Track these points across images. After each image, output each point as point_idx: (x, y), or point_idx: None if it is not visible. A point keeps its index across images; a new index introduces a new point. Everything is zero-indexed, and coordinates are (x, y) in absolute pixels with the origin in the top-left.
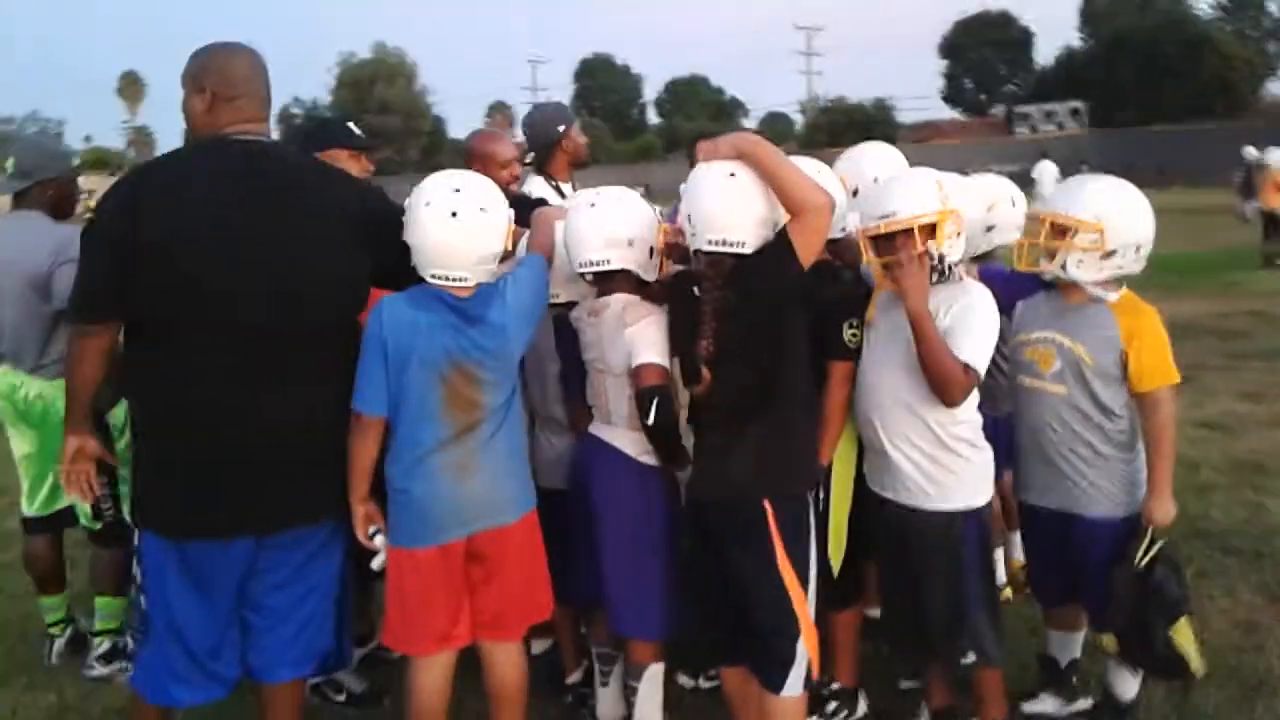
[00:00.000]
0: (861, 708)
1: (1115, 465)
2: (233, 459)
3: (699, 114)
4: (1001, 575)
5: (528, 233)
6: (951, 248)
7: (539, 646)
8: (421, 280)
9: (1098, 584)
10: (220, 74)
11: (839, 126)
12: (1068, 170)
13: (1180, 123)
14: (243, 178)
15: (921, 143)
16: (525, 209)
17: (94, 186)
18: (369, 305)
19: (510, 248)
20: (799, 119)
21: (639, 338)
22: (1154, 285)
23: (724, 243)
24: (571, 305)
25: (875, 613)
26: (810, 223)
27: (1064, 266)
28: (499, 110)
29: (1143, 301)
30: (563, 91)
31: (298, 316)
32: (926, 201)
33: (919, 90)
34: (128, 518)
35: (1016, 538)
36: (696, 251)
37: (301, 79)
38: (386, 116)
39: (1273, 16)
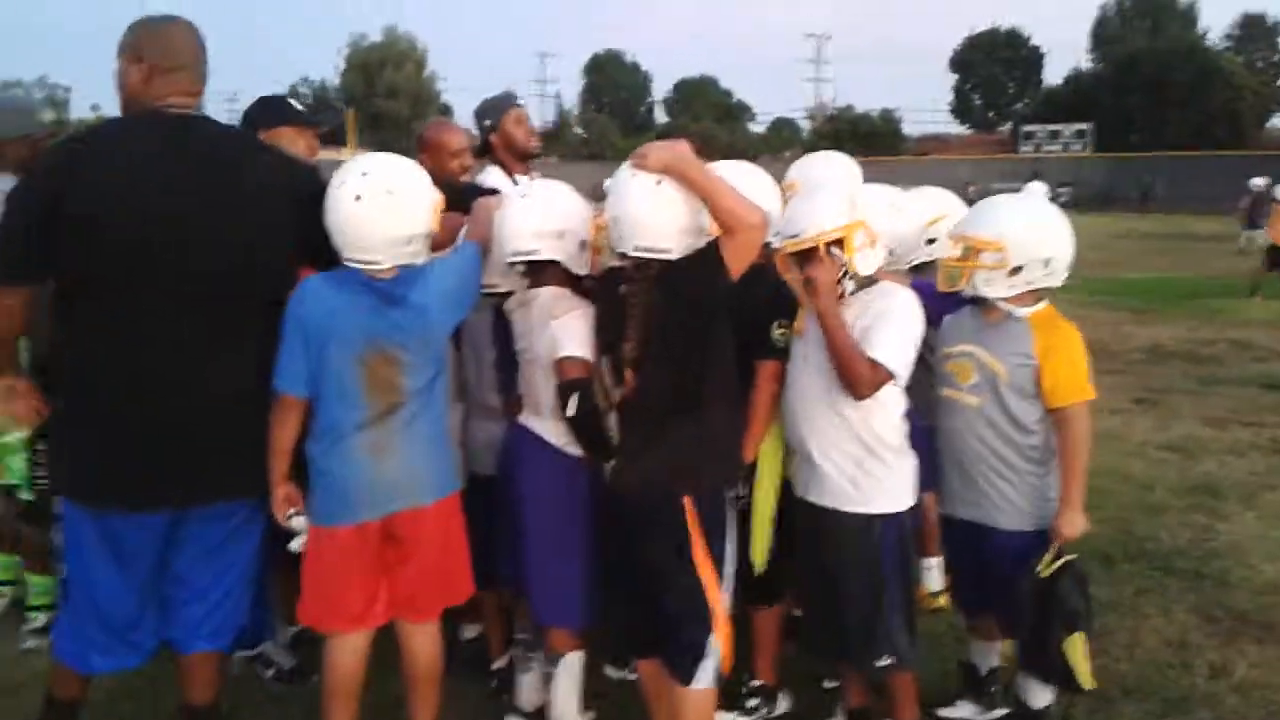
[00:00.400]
0: (782, 705)
1: (1027, 479)
2: (153, 431)
3: (706, 114)
4: (939, 582)
5: (468, 220)
6: (864, 259)
7: (470, 632)
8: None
9: (1005, 594)
10: (159, 45)
11: (845, 135)
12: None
13: (1185, 149)
14: (175, 150)
15: (924, 156)
16: (471, 197)
17: None
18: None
19: (437, 230)
20: (805, 126)
21: (563, 331)
22: (1125, 308)
23: (650, 250)
24: (509, 294)
25: (799, 613)
26: (743, 240)
27: (974, 284)
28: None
29: (1062, 319)
30: (572, 85)
31: (224, 291)
32: (833, 217)
33: (928, 103)
34: None
35: None
36: (622, 254)
37: (311, 60)
38: (394, 101)
39: None
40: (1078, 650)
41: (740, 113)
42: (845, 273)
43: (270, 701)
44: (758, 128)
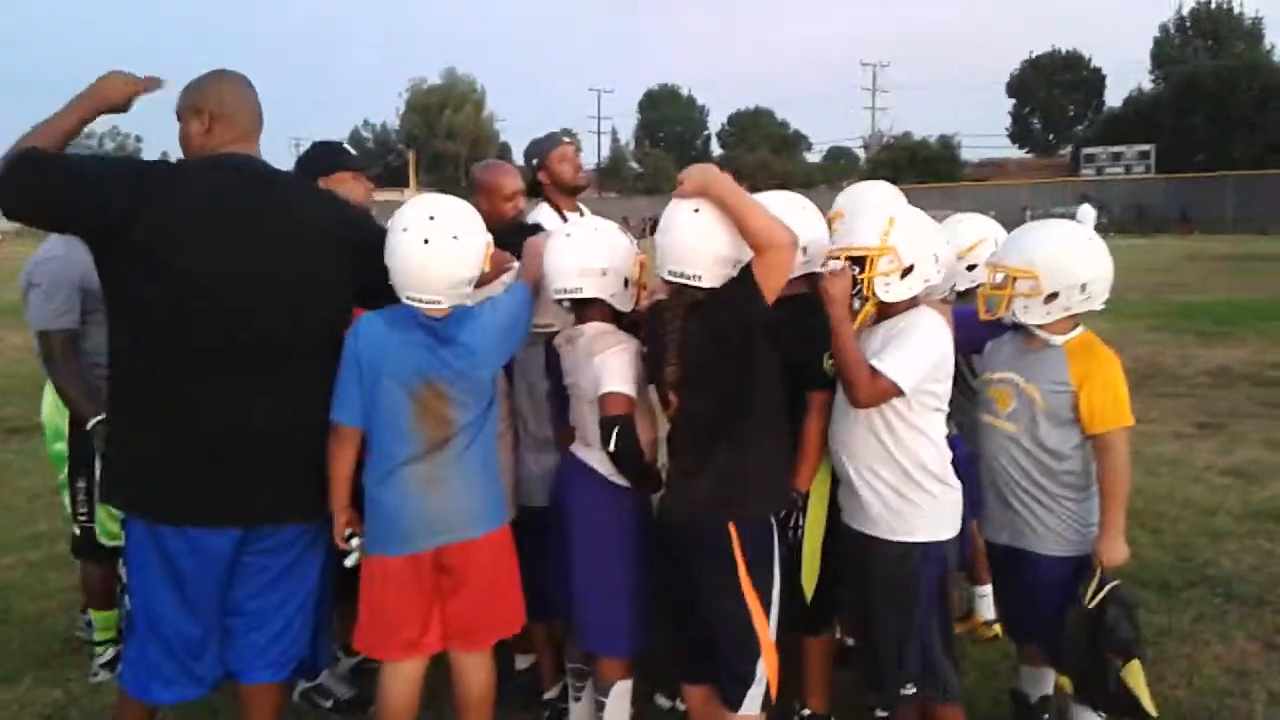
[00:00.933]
0: None
1: (1066, 505)
2: (212, 452)
3: (762, 145)
4: (991, 610)
5: (518, 261)
6: (884, 284)
7: (523, 662)
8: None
9: (1049, 622)
10: (215, 96)
11: (902, 162)
12: (1129, 215)
13: (1251, 169)
14: (236, 191)
15: (982, 181)
16: (520, 236)
17: None
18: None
19: (488, 270)
20: (862, 154)
21: (605, 367)
22: (1190, 331)
23: (681, 275)
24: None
25: (852, 642)
26: (772, 260)
27: (1013, 311)
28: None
29: (1100, 344)
30: (627, 120)
31: (283, 323)
32: (863, 237)
33: (985, 128)
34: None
35: None
36: (662, 280)
37: (373, 103)
38: (453, 142)
39: None
40: (1138, 678)
41: (797, 142)
42: (858, 290)
43: None
44: (814, 157)
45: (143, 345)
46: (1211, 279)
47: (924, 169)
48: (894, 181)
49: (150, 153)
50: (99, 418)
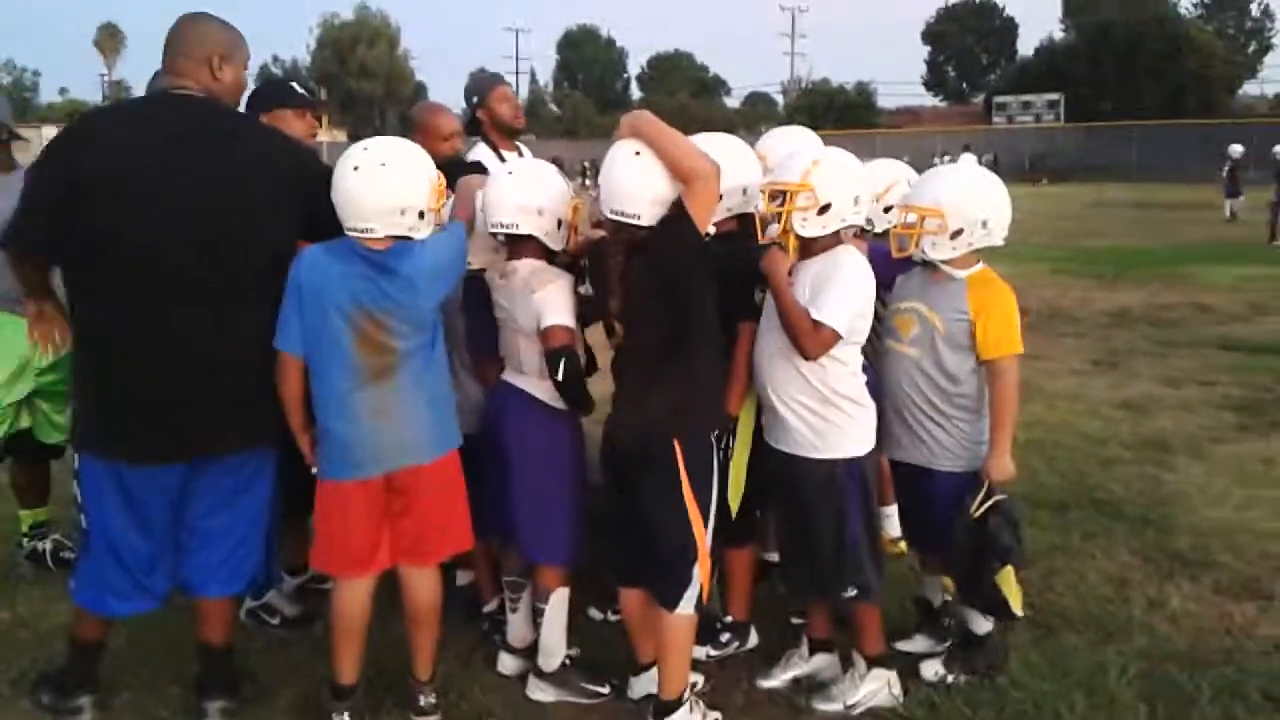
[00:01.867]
0: (752, 640)
1: (959, 425)
2: (159, 389)
3: (681, 89)
4: (897, 529)
5: (452, 198)
6: (801, 220)
7: (463, 578)
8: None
9: (943, 532)
10: (167, 40)
11: (820, 109)
12: (1036, 162)
13: (1157, 119)
14: (181, 128)
15: (898, 129)
16: (458, 173)
17: None
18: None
19: (436, 208)
20: (781, 100)
21: (546, 302)
22: (1092, 275)
23: (622, 213)
24: (482, 271)
25: (773, 556)
26: (699, 189)
27: (922, 249)
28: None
29: (997, 279)
30: (545, 62)
31: (227, 257)
32: (789, 174)
33: (902, 75)
34: None
35: None
36: (604, 217)
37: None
38: (367, 80)
39: (1252, 16)
40: (1010, 582)
41: (716, 87)
42: (781, 227)
43: (278, 645)
44: (734, 102)
45: (94, 284)
46: (1115, 226)
47: (841, 116)
48: (812, 128)
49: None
50: None
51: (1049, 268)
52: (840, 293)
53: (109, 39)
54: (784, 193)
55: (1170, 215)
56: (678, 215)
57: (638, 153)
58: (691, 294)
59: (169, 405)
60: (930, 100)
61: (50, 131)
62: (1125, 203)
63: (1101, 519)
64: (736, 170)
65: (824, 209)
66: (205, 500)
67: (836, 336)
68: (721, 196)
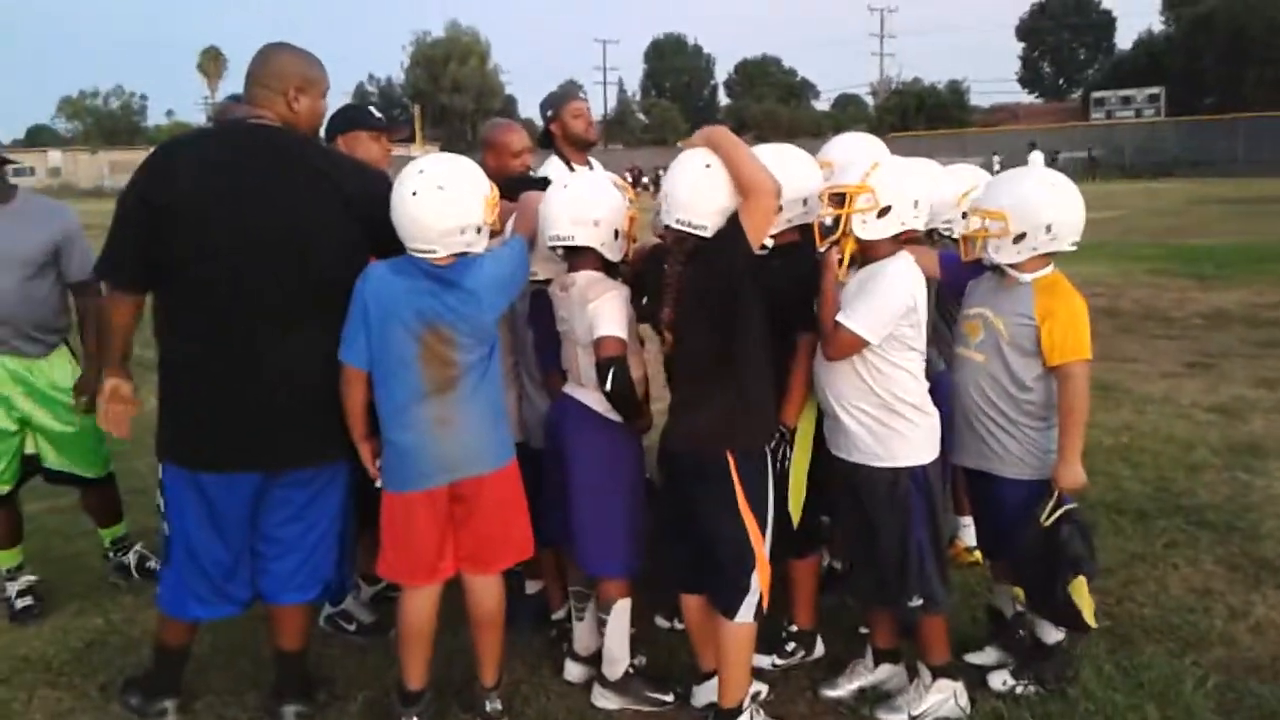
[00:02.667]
0: (818, 649)
1: (1027, 432)
2: (237, 403)
3: (769, 95)
4: (973, 538)
5: (515, 214)
6: (861, 222)
7: (532, 587)
8: None
9: (1011, 540)
10: (250, 69)
11: (910, 109)
12: (1136, 157)
13: (1261, 111)
14: (253, 156)
15: (992, 127)
16: (524, 189)
17: None
18: None
19: (494, 222)
20: (870, 101)
21: (599, 312)
22: (1190, 274)
23: (689, 224)
24: (548, 282)
25: (836, 564)
26: (755, 204)
27: (988, 252)
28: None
29: (1066, 284)
30: (633, 71)
31: (296, 279)
32: (849, 177)
33: (995, 73)
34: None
35: None
36: (666, 227)
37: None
38: (458, 96)
39: None
40: (1082, 593)
41: (804, 91)
42: (840, 230)
43: (353, 651)
44: (822, 105)
45: (175, 302)
46: (1217, 223)
47: (933, 115)
48: (903, 128)
49: (155, 112)
50: None
51: (1145, 267)
52: (872, 300)
53: (212, 62)
54: (843, 195)
55: (1276, 210)
56: (731, 227)
57: (708, 165)
58: (739, 306)
59: (242, 418)
60: (1026, 97)
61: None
62: (1228, 199)
63: (1186, 526)
64: (797, 181)
65: (883, 211)
66: (279, 511)
67: (858, 341)
68: (781, 208)
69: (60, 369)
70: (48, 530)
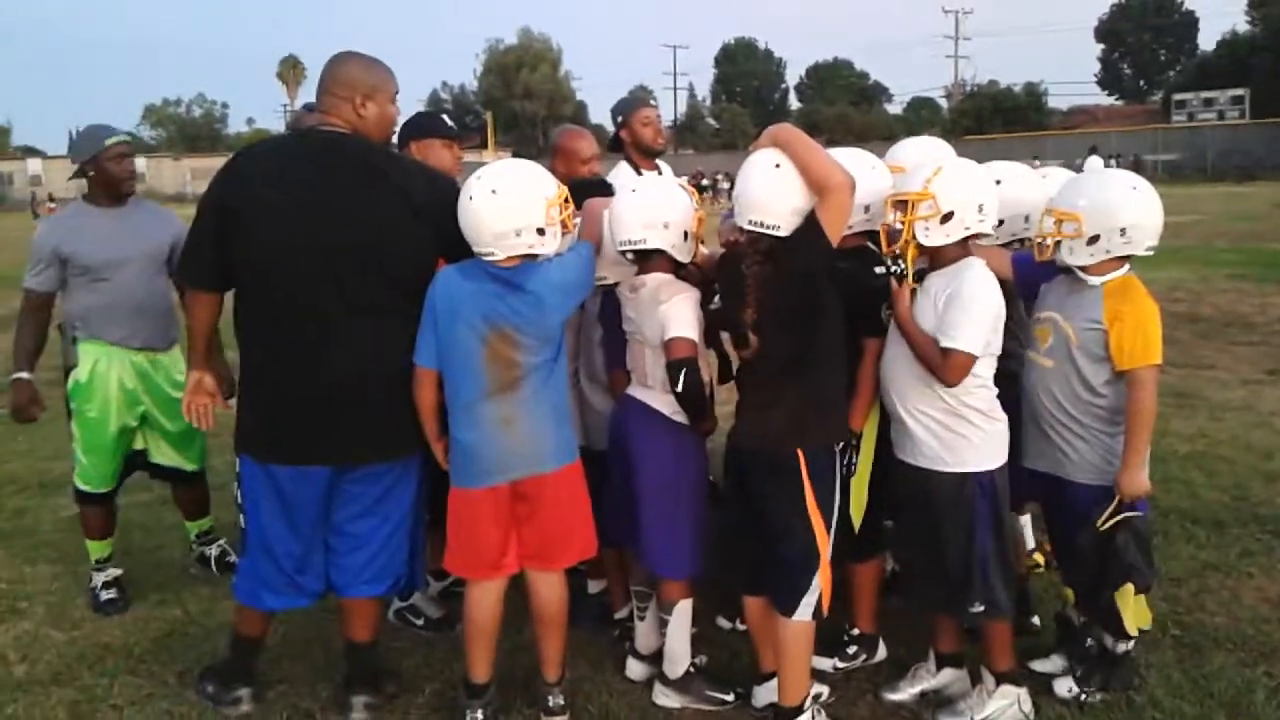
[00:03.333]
0: (881, 653)
1: (1098, 437)
2: (309, 401)
3: (840, 98)
4: (1031, 540)
5: (580, 219)
6: (923, 229)
7: (595, 587)
8: None
9: (1072, 543)
10: (320, 78)
11: (986, 111)
12: (1219, 160)
13: None
14: (323, 162)
15: (1071, 130)
16: (594, 193)
17: None
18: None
19: (559, 222)
20: (945, 104)
21: (671, 314)
22: (1273, 279)
23: (761, 224)
24: (617, 284)
25: (897, 568)
26: (832, 200)
27: (1061, 254)
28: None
29: (1138, 287)
30: (703, 76)
31: (365, 282)
32: (911, 184)
33: (1074, 75)
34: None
35: None
36: (741, 230)
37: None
38: (530, 102)
39: None
40: (1127, 599)
41: (877, 94)
42: (903, 238)
43: (420, 645)
44: (895, 109)
45: (253, 303)
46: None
47: (1009, 118)
48: (978, 132)
49: (235, 120)
50: (16, 374)
51: (1228, 272)
52: (967, 314)
53: (290, 71)
54: (906, 202)
55: None
56: (810, 225)
57: (778, 165)
58: (820, 303)
59: (312, 414)
60: (1106, 99)
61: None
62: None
63: (1262, 536)
64: (862, 185)
65: (946, 217)
66: (351, 506)
67: (971, 358)
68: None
69: (178, 365)
70: (131, 524)
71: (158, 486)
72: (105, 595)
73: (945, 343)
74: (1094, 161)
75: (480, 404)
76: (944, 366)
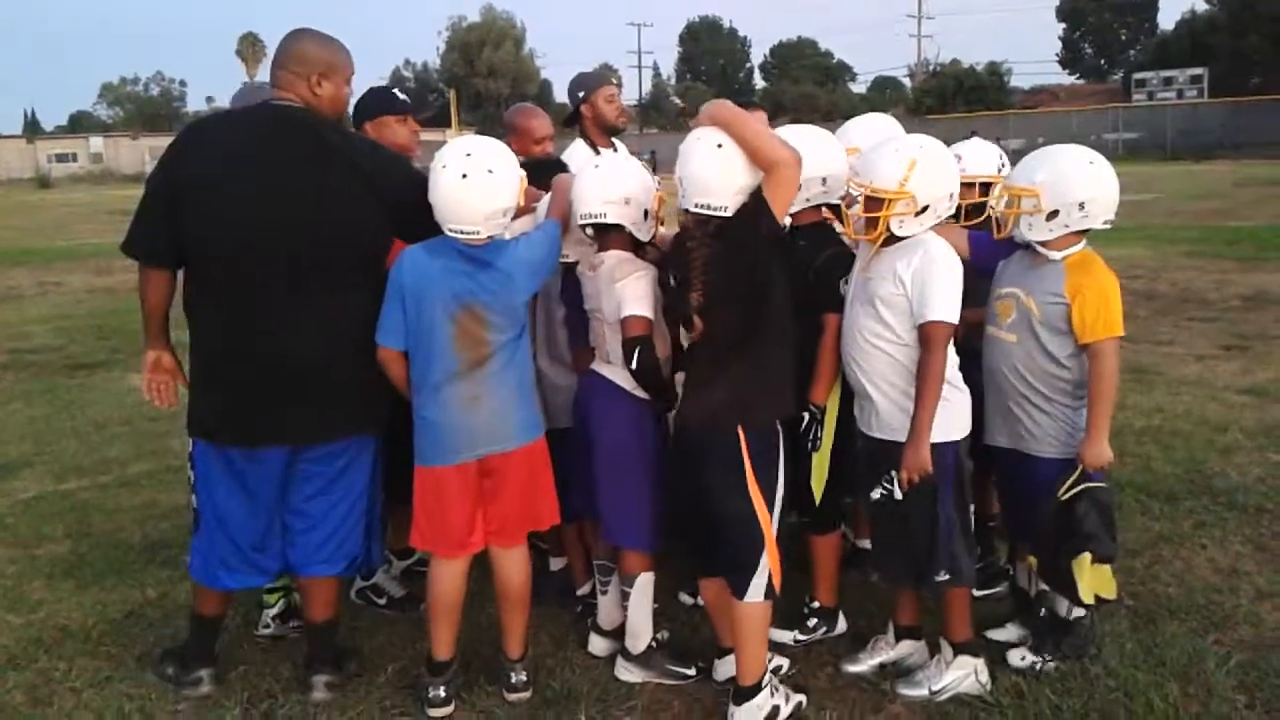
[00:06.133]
0: (840, 626)
1: (1060, 409)
2: (261, 381)
3: (805, 77)
4: None
5: (547, 196)
6: (901, 223)
7: (557, 564)
8: (441, 234)
9: (1035, 515)
10: (275, 55)
11: (949, 91)
12: (1178, 139)
13: None
14: (273, 137)
15: (1032, 109)
16: (549, 172)
17: None
18: (393, 258)
19: (523, 204)
20: (908, 83)
21: (626, 292)
22: (1231, 256)
23: (708, 206)
24: (577, 264)
25: (865, 543)
26: (778, 177)
27: (1020, 230)
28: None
29: (1097, 261)
30: (667, 54)
31: (316, 260)
32: (886, 180)
33: (1036, 55)
34: None
35: None
36: (685, 210)
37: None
38: (493, 80)
39: None
40: (1083, 567)
41: (841, 73)
42: (878, 230)
43: (383, 624)
44: (859, 88)
45: (202, 282)
46: (1259, 204)
47: (972, 97)
48: (941, 110)
49: (194, 98)
50: None
51: (1185, 249)
52: (943, 285)
53: (250, 48)
54: (881, 200)
55: None
56: (755, 203)
57: (720, 145)
58: (765, 282)
59: (265, 394)
60: (1068, 79)
61: None
62: (1273, 180)
63: (1214, 507)
64: (817, 161)
65: (922, 210)
66: (306, 485)
67: (951, 327)
68: (800, 187)
69: None
70: (89, 506)
71: (115, 467)
72: None
73: (930, 315)
74: (975, 142)
75: (448, 383)
76: (930, 339)
